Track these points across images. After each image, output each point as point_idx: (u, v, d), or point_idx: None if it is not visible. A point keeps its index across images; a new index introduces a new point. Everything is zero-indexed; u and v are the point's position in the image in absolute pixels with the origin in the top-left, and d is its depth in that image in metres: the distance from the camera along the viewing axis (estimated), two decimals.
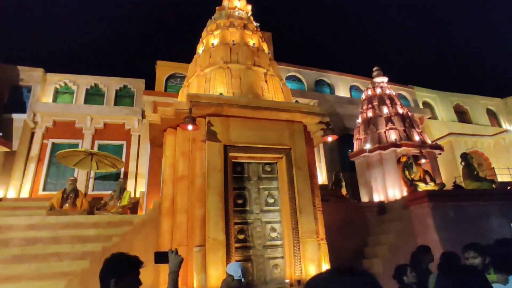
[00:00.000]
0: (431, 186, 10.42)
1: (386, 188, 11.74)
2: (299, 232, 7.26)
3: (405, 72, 47.96)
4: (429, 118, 20.27)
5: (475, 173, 11.18)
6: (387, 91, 14.04)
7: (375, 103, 13.63)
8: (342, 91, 17.98)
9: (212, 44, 9.91)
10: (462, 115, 21.82)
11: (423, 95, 21.04)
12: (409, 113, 13.50)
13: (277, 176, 8.03)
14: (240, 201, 7.56)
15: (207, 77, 9.05)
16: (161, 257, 2.28)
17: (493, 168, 17.02)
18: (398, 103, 13.63)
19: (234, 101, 7.60)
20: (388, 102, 13.46)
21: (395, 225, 9.74)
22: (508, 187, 11.48)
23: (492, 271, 2.68)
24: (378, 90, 14.09)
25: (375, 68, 14.97)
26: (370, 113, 13.46)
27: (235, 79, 8.84)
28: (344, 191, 12.54)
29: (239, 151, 7.70)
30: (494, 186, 10.77)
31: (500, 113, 23.18)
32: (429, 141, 12.90)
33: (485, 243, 8.70)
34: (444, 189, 10.56)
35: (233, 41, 9.71)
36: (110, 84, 15.92)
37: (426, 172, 11.30)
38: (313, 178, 8.17)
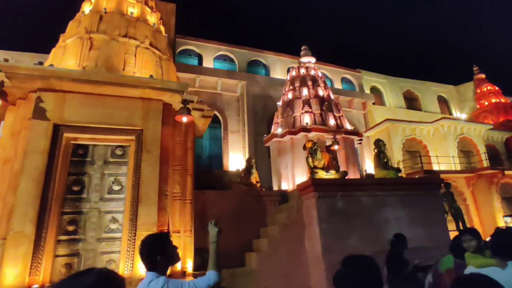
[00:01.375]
0: (330, 175, 9.71)
1: (295, 176, 11.03)
2: (137, 224, 6.45)
3: (356, 57, 46.90)
4: (376, 104, 19.58)
5: (385, 161, 10.50)
6: (312, 72, 13.14)
7: (297, 84, 12.75)
8: (279, 73, 17.01)
9: (83, 11, 8.78)
10: (411, 102, 21.19)
11: (372, 79, 20.25)
12: (331, 95, 12.67)
13: (127, 161, 7.14)
14: (76, 188, 6.67)
15: (66, 47, 7.97)
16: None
17: (431, 156, 16.54)
18: (321, 85, 12.76)
19: (62, 73, 6.58)
20: (309, 83, 12.59)
21: (283, 216, 9.07)
22: (416, 176, 10.88)
23: (489, 254, 2.73)
24: (302, 71, 13.18)
25: (303, 47, 14.01)
26: (290, 95, 12.60)
27: (95, 51, 7.78)
28: (254, 178, 11.78)
29: (79, 131, 6.76)
30: (400, 175, 10.15)
31: (452, 100, 22.64)
32: (348, 127, 12.15)
33: (377, 235, 7.64)
34: (347, 177, 9.89)
35: (105, 8, 8.58)
36: None
37: (334, 159, 10.59)
38: (169, 163, 7.31)
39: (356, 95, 18.18)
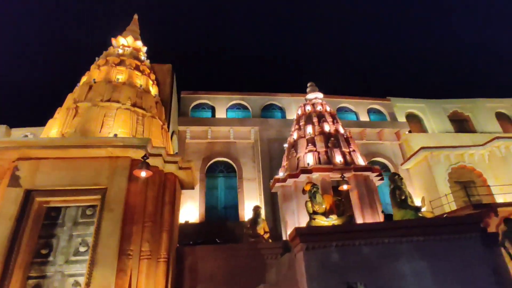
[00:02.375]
0: (331, 220, 8.42)
1: (300, 224, 9.87)
2: None
3: (388, 86, 43.00)
4: (415, 132, 17.43)
5: (402, 198, 8.85)
6: (319, 108, 12.36)
7: (302, 123, 12.03)
8: (296, 114, 16.44)
9: (78, 84, 9.79)
10: (461, 124, 18.38)
11: (407, 106, 18.33)
12: (340, 130, 11.58)
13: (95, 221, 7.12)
14: (44, 251, 6.78)
15: (56, 118, 8.80)
16: None
17: (489, 186, 13.61)
18: (329, 120, 11.82)
19: (32, 142, 7.12)
20: (315, 120, 11.77)
21: (273, 273, 7.92)
22: (445, 215, 8.76)
23: None
24: (308, 108, 12.50)
25: (309, 84, 13.48)
26: (295, 135, 11.87)
27: (77, 118, 8.42)
28: (262, 229, 10.86)
29: (50, 195, 7.06)
30: (420, 215, 8.36)
31: None
32: (361, 162, 10.75)
33: None
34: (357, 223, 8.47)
35: (94, 79, 9.45)
36: None
37: (339, 202, 9.29)
38: (135, 220, 7.06)
39: (386, 125, 16.44)
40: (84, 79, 9.95)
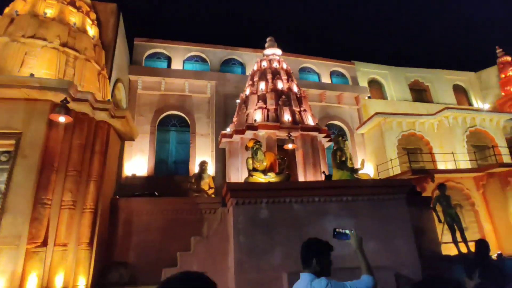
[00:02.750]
0: (268, 178, 8.39)
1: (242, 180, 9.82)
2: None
3: (353, 50, 42.56)
4: (376, 98, 17.55)
5: (343, 160, 8.92)
6: (275, 65, 11.89)
7: (256, 79, 11.58)
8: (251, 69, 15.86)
9: None
10: (420, 94, 18.70)
11: (370, 71, 18.21)
12: (293, 89, 11.28)
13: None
14: None
15: None
16: (339, 235, 2.60)
17: (431, 153, 14.22)
18: (283, 77, 11.44)
19: None
20: (269, 77, 11.34)
21: (207, 226, 7.94)
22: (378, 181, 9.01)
23: None
24: (264, 64, 11.99)
25: (268, 39, 12.83)
26: (248, 91, 11.46)
27: None
28: (207, 184, 10.78)
29: None
30: (356, 176, 8.51)
31: (472, 89, 19.64)
32: (311, 122, 10.66)
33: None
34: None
35: (16, 11, 8.29)
36: None
37: (282, 160, 9.24)
38: (55, 168, 6.61)
39: (347, 89, 16.34)
40: (6, 10, 8.72)
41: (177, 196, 10.30)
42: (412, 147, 14.37)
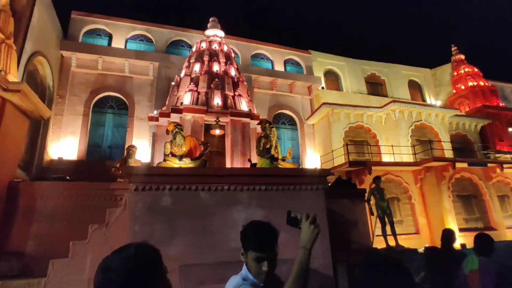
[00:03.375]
0: (183, 163, 7.81)
1: None
2: None
3: (313, 39, 42.34)
4: (332, 89, 17.30)
5: (267, 147, 8.47)
6: (214, 46, 11.22)
7: (192, 60, 10.89)
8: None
9: None
10: (375, 87, 18.66)
11: (327, 62, 17.93)
12: (231, 72, 10.70)
13: None
14: None
15: None
16: (293, 221, 1.80)
17: (375, 145, 14.16)
18: (222, 60, 10.82)
19: None
20: (206, 58, 10.69)
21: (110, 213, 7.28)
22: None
23: None
24: (203, 45, 11.30)
25: (211, 19, 12.12)
26: (183, 73, 10.76)
27: None
28: None
29: None
30: (277, 164, 8.09)
31: (427, 85, 19.85)
32: (245, 108, 10.15)
33: (214, 242, 5.98)
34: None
35: None
36: None
37: (205, 146, 8.68)
38: None
39: (300, 78, 15.96)
40: None
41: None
42: (359, 140, 14.26)
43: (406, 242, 11.38)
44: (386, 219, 10.27)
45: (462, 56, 19.27)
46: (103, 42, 14.08)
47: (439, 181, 11.93)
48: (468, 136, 15.96)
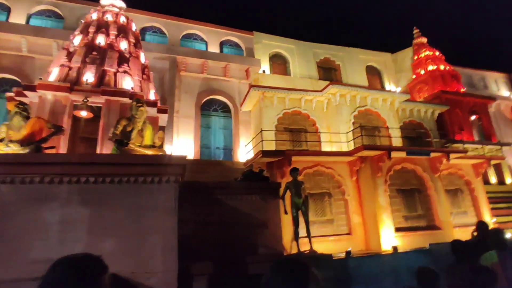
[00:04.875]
0: (9, 150, 6.10)
1: None
2: None
3: (261, 21, 39.75)
4: (279, 74, 15.64)
5: (126, 130, 6.75)
6: (107, 17, 9.50)
7: (77, 32, 9.17)
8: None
9: None
10: (329, 72, 17.03)
11: (274, 44, 16.25)
12: (121, 47, 8.98)
13: None
14: None
15: None
16: None
17: (320, 133, 12.53)
18: (112, 32, 9.09)
19: None
20: (91, 30, 8.96)
21: None
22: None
23: None
24: (93, 16, 9.57)
25: None
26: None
27: None
28: None
29: None
30: (128, 150, 6.39)
31: (387, 71, 18.26)
32: (127, 87, 8.42)
33: (10, 251, 4.62)
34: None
35: None
36: None
37: (56, 129, 6.97)
38: None
39: (235, 60, 14.28)
40: None
41: None
42: (297, 127, 12.60)
43: (336, 244, 9.80)
44: (302, 218, 8.68)
45: (424, 39, 17.67)
46: (1, 17, 12.29)
47: (375, 173, 10.32)
48: (424, 124, 14.37)
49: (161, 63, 13.01)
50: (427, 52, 16.78)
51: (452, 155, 10.96)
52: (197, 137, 12.99)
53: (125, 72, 8.64)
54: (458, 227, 11.52)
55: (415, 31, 18.05)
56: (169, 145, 12.17)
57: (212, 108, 13.94)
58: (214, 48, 14.70)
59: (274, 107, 12.48)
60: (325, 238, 9.99)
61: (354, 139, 11.42)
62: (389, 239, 9.77)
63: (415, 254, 9.03)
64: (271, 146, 11.48)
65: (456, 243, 3.68)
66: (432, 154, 10.76)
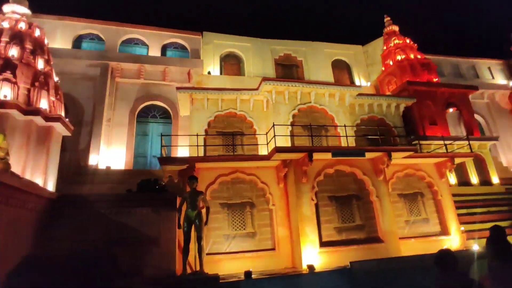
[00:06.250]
0: None
1: None
2: None
3: (215, 18, 36.84)
4: (232, 74, 14.68)
5: None
6: (4, 24, 9.08)
7: None
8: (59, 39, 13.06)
9: None
10: (290, 70, 15.77)
11: (227, 44, 15.32)
12: (1, 53, 8.48)
13: None
14: None
15: None
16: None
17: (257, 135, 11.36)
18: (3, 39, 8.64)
19: None
20: None
21: None
22: None
23: None
24: None
25: None
26: None
27: None
28: None
29: None
30: None
31: (357, 65, 16.65)
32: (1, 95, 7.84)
33: None
34: None
35: None
36: None
37: None
38: None
39: (174, 62, 13.48)
40: None
41: None
42: (231, 131, 11.50)
43: (256, 262, 8.57)
44: (193, 234, 7.62)
45: (396, 28, 15.91)
46: None
47: (299, 179, 8.96)
48: (386, 120, 12.68)
49: (94, 71, 12.52)
50: (397, 41, 15.04)
51: (396, 154, 9.32)
52: (130, 146, 12.28)
53: (5, 79, 8.08)
54: (415, 237, 9.83)
55: (386, 19, 16.31)
56: (95, 155, 11.53)
57: (151, 114, 13.20)
58: (156, 52, 14.03)
59: (207, 110, 11.48)
60: (242, 254, 8.76)
61: (293, 136, 10.11)
62: (312, 255, 8.35)
63: (332, 275, 7.59)
64: (200, 152, 10.49)
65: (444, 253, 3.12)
66: (369, 154, 9.21)
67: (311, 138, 10.22)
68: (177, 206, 7.86)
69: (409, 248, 9.29)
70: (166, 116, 13.31)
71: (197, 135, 10.15)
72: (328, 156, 8.96)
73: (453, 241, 10.06)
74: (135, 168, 12.05)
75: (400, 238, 9.60)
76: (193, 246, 7.45)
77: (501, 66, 18.16)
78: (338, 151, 8.83)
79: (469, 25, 41.64)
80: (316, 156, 8.77)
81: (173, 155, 12.17)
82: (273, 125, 9.58)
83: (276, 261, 8.84)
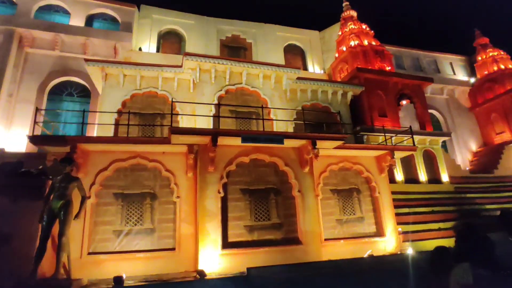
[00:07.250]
0: None
1: None
2: None
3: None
4: (170, 53, 13.17)
5: None
6: None
7: None
8: None
9: None
10: (237, 52, 14.39)
11: (167, 20, 13.79)
12: None
13: None
14: None
15: None
16: None
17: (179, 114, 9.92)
18: None
19: None
20: None
21: None
22: None
23: None
24: None
25: None
26: None
27: None
28: None
29: None
30: None
31: (312, 51, 15.43)
32: None
33: None
34: None
35: None
36: None
37: None
38: None
39: (97, 34, 11.86)
40: None
41: None
42: (152, 112, 10.03)
43: (151, 264, 7.17)
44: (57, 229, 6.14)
45: (354, 13, 14.73)
46: None
47: (204, 168, 7.60)
48: (331, 109, 11.48)
49: None
50: (352, 26, 13.87)
51: (323, 143, 8.06)
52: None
53: None
54: (346, 238, 8.65)
55: (345, 3, 15.12)
56: None
57: (66, 92, 11.56)
58: (79, 22, 12.35)
59: (122, 88, 9.97)
60: (135, 254, 7.32)
61: (218, 118, 8.72)
62: (212, 258, 7.01)
63: (225, 283, 6.26)
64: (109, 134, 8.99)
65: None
66: (290, 142, 7.92)
67: (235, 122, 8.88)
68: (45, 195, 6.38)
69: (336, 251, 8.10)
70: (85, 94, 11.69)
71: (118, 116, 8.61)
72: (232, 141, 7.60)
73: (388, 243, 8.96)
74: (41, 152, 10.40)
75: (327, 240, 8.44)
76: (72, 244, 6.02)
77: (464, 62, 17.34)
78: (249, 136, 7.45)
79: (434, 19, 41.02)
80: (225, 141, 7.42)
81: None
82: (193, 103, 8.15)
83: (176, 264, 7.43)
